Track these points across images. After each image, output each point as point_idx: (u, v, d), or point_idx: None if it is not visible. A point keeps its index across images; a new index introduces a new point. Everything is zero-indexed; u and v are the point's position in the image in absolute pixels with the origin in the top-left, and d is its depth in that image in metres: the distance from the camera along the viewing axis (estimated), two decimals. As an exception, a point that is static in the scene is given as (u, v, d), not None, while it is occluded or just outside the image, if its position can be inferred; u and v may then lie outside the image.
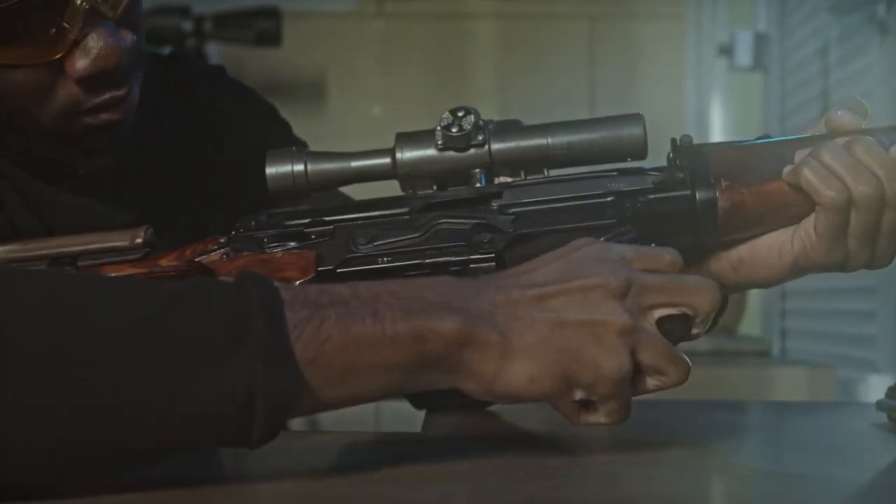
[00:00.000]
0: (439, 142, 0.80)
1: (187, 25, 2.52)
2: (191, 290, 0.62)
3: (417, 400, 1.06)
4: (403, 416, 1.16)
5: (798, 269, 0.82)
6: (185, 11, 2.54)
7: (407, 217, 0.80)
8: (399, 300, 0.64)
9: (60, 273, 0.66)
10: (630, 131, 0.81)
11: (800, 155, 0.80)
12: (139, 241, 0.80)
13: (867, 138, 0.79)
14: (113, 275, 0.63)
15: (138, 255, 0.80)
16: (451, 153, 0.80)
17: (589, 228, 0.79)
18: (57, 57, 0.77)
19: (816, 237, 0.80)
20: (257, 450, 0.62)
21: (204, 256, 0.80)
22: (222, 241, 0.81)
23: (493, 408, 1.01)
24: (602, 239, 0.75)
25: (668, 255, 0.72)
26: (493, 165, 0.81)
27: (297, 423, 2.74)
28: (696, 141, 0.83)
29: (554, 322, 0.65)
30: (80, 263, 0.80)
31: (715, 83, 2.89)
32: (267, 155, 0.82)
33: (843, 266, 0.82)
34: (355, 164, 0.82)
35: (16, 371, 0.56)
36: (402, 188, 0.83)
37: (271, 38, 2.53)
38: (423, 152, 0.81)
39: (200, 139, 0.99)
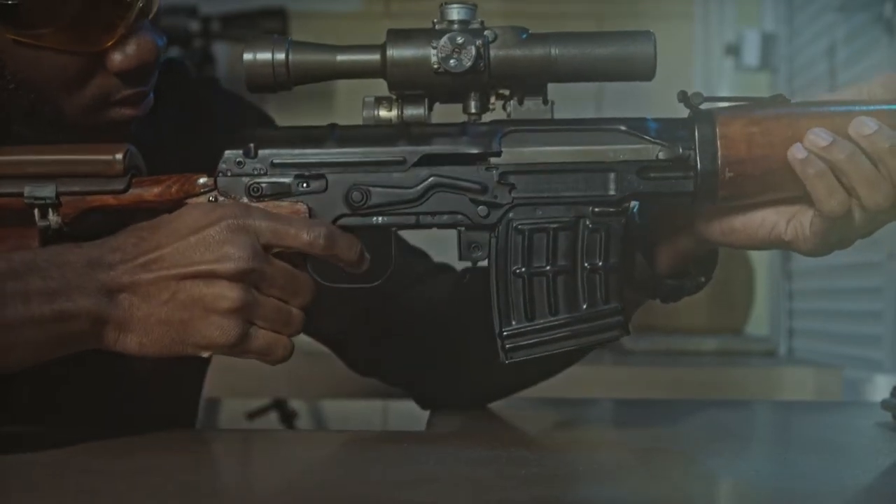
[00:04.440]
0: (435, 66, 0.78)
1: (194, 25, 2.52)
2: None
3: (423, 400, 1.06)
4: (410, 416, 1.16)
5: (785, 248, 0.82)
6: (192, 11, 2.54)
7: (403, 172, 0.79)
8: (45, 282, 0.72)
9: None
10: (640, 49, 0.79)
11: (809, 140, 0.76)
12: (119, 166, 0.79)
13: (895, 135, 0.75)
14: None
15: (122, 184, 0.79)
16: (446, 77, 0.78)
17: (590, 202, 0.78)
18: (107, 46, 0.80)
19: (810, 234, 0.79)
20: (260, 448, 0.62)
21: (192, 199, 0.80)
22: (209, 181, 0.80)
23: (495, 408, 1.01)
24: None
25: (305, 236, 0.76)
26: (492, 81, 0.79)
27: (302, 422, 2.73)
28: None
29: (168, 299, 0.74)
30: (60, 189, 0.79)
31: (722, 83, 2.88)
32: (246, 41, 0.80)
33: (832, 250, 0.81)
34: (341, 57, 0.80)
35: None
36: (390, 89, 0.80)
37: (278, 39, 2.52)
38: (415, 52, 0.78)
39: (193, 148, 0.99)
